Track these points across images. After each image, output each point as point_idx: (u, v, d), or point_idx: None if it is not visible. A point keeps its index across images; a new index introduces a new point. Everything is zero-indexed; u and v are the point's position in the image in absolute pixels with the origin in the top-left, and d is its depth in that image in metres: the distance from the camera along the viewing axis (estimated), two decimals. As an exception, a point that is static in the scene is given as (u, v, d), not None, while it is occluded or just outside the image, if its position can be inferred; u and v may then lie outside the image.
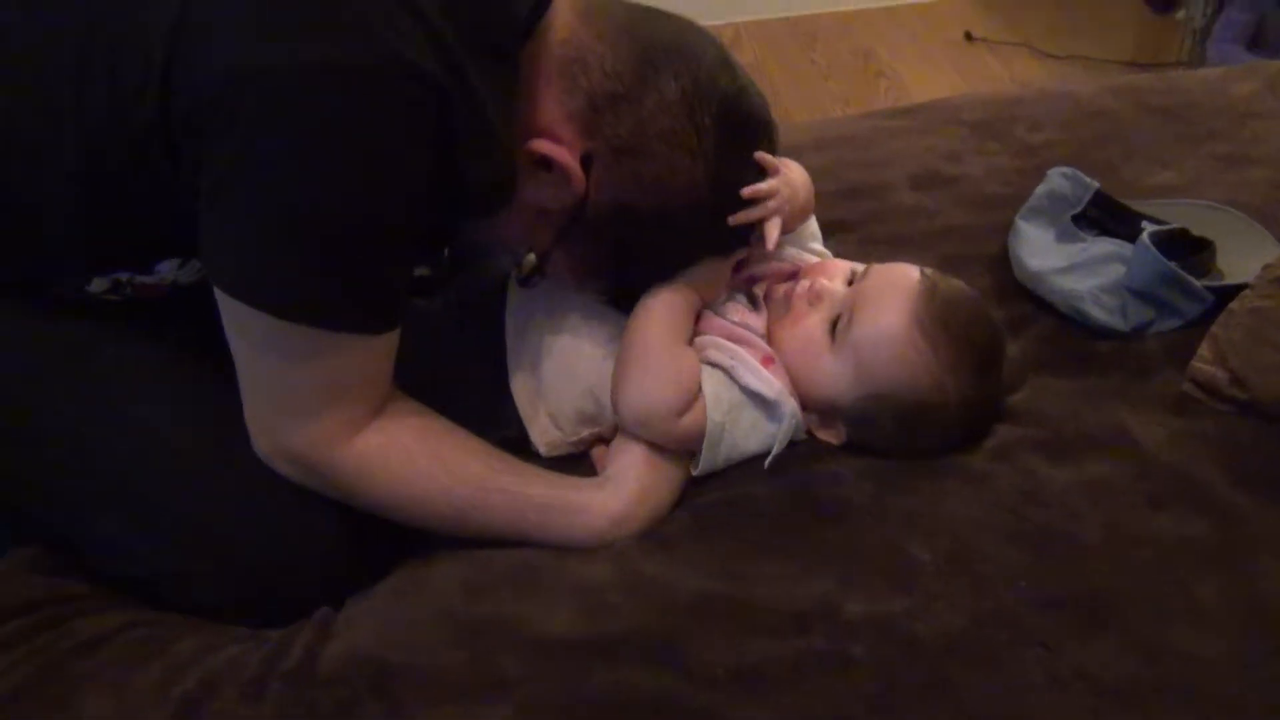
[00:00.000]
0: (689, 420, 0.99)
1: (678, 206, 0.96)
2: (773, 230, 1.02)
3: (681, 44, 0.95)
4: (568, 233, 0.97)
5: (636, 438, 1.02)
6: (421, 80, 0.83)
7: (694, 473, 1.01)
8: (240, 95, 0.81)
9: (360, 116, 0.82)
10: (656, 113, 0.93)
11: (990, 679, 0.84)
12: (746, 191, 1.00)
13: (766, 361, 1.03)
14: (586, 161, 0.94)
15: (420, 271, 1.06)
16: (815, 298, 1.06)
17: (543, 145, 0.93)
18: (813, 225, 1.19)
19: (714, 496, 1.02)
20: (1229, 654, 0.86)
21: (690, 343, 1.04)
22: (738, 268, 1.09)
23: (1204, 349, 1.08)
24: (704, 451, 1.00)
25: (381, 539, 1.01)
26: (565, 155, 0.93)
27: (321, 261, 0.86)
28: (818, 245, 1.20)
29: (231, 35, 0.82)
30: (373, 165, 0.84)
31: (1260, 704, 0.83)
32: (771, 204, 1.02)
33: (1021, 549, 0.94)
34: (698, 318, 1.06)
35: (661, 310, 1.00)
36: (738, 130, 0.96)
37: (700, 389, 0.99)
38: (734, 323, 1.06)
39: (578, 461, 1.08)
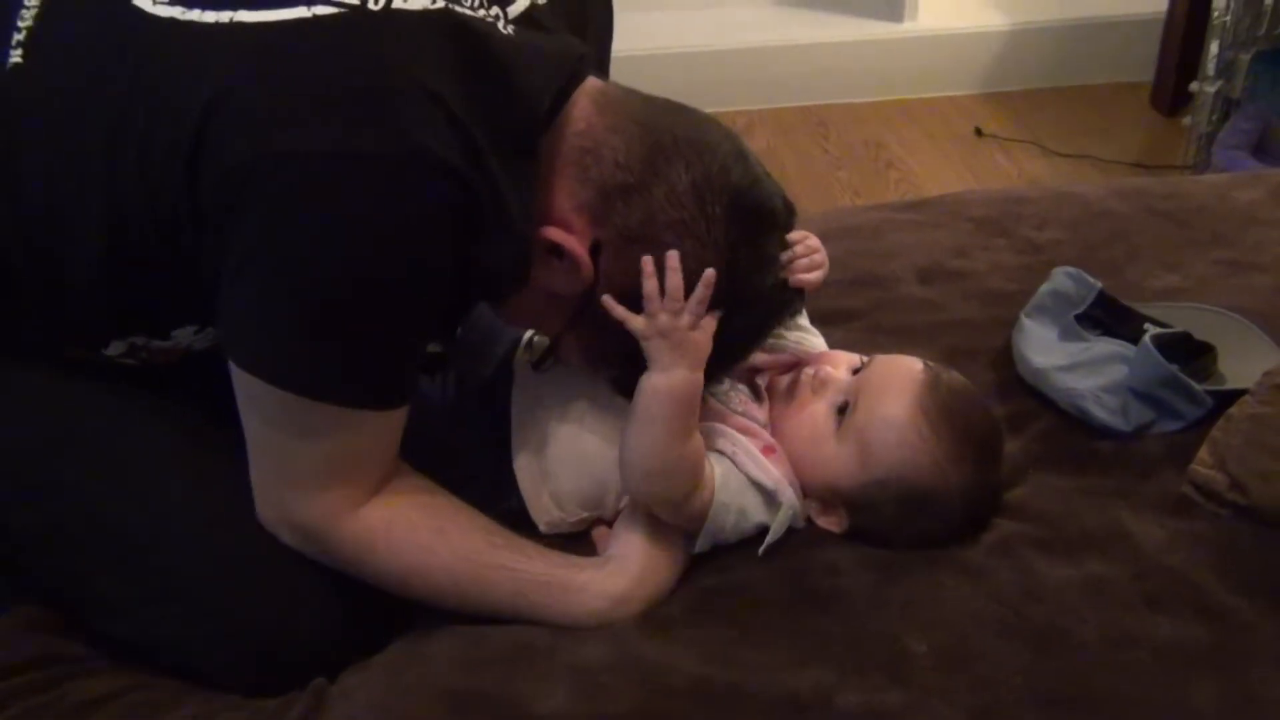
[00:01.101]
0: (696, 503, 0.99)
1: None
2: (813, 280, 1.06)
3: (695, 136, 0.96)
4: (578, 319, 0.98)
5: (639, 519, 1.02)
6: (446, 173, 0.85)
7: (694, 551, 1.02)
8: (267, 177, 0.83)
9: (384, 206, 0.84)
10: (666, 203, 0.93)
11: (984, 777, 0.84)
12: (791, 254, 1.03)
13: (768, 451, 1.04)
14: (595, 250, 0.95)
15: (432, 348, 1.07)
16: (820, 384, 1.07)
17: (553, 233, 0.94)
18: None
19: (713, 581, 1.02)
20: (1224, 761, 0.85)
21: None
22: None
23: (1204, 452, 1.09)
24: (706, 526, 1.00)
25: (380, 612, 1.01)
26: (574, 243, 0.94)
27: (337, 341, 0.88)
28: (804, 322, 1.21)
29: (262, 118, 0.84)
30: (394, 253, 0.86)
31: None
32: (812, 263, 1.05)
33: (1018, 646, 0.94)
34: (701, 404, 1.07)
35: (666, 403, 0.96)
36: (749, 221, 0.96)
37: (705, 471, 1.00)
38: (736, 413, 1.07)
39: (578, 538, 1.09)
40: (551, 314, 1.01)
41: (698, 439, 0.99)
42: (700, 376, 0.96)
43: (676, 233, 0.94)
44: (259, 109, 0.84)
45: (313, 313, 0.87)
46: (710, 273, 0.93)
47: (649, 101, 0.99)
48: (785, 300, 1.05)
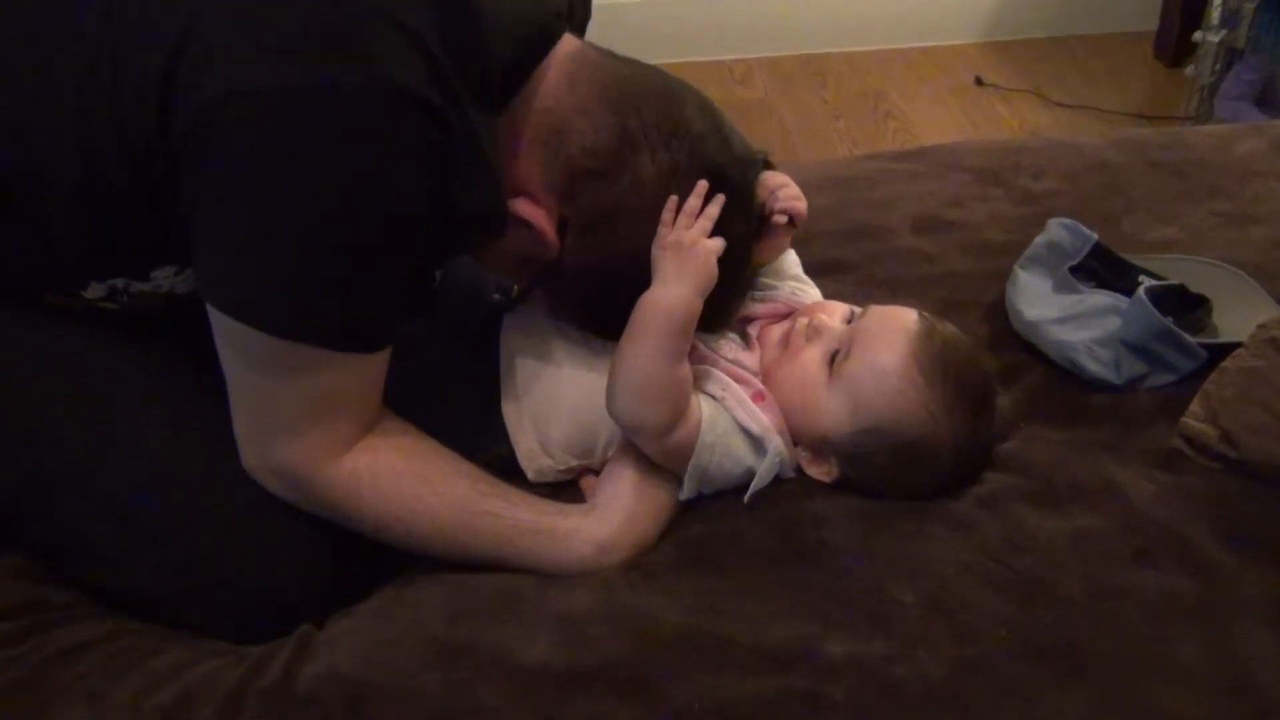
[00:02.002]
0: (680, 436, 0.99)
1: (647, 276, 0.98)
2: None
3: (667, 116, 0.96)
4: (550, 277, 1.00)
5: (626, 466, 1.02)
6: (420, 107, 0.84)
7: (681, 496, 1.02)
8: (239, 114, 0.82)
9: (357, 140, 0.83)
10: (631, 192, 0.95)
11: (966, 728, 0.84)
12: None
13: (757, 398, 1.03)
14: (563, 227, 0.96)
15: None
16: (814, 333, 1.06)
17: (522, 207, 0.95)
18: (792, 255, 1.21)
19: (700, 530, 1.02)
20: (1207, 715, 0.85)
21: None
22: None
23: (1195, 405, 1.08)
24: (690, 469, 1.00)
25: (366, 559, 1.01)
26: (542, 220, 0.95)
27: (314, 280, 0.87)
28: (799, 272, 1.21)
29: (233, 56, 0.82)
30: (368, 188, 0.85)
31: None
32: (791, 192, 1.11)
33: (1004, 597, 0.93)
34: (691, 350, 1.06)
35: (663, 320, 0.96)
36: (725, 199, 0.98)
37: (691, 406, 0.99)
38: (727, 360, 1.06)
39: (565, 487, 1.08)
40: (523, 270, 1.03)
41: (686, 368, 0.99)
42: (700, 304, 0.97)
43: (644, 219, 0.96)
44: (228, 44, 0.83)
45: (287, 252, 0.86)
46: (720, 197, 0.96)
47: (621, 72, 0.98)
48: (747, 258, 1.07)
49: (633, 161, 0.95)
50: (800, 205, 1.12)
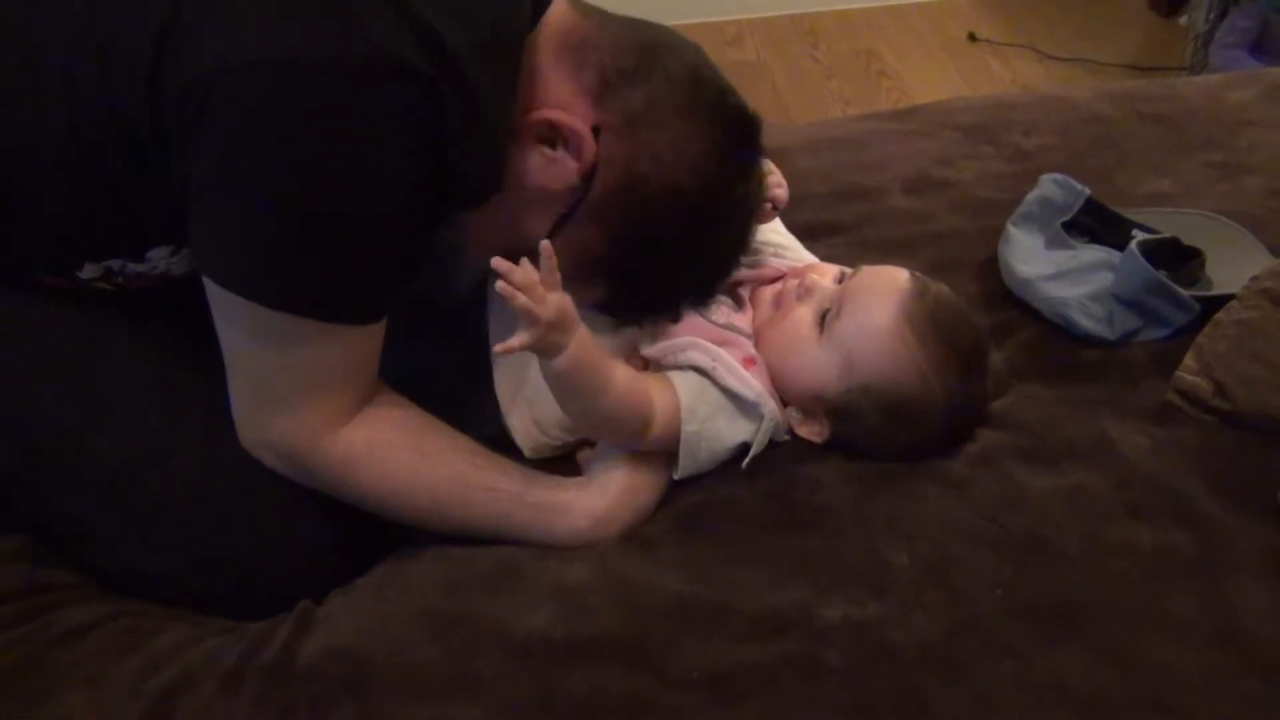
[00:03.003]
0: (657, 432, 0.99)
1: (687, 183, 0.95)
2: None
3: (672, 41, 0.98)
4: (570, 216, 0.96)
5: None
6: (409, 76, 0.84)
7: (675, 477, 1.02)
8: (228, 88, 0.81)
9: (346, 112, 0.83)
10: (666, 87, 0.94)
11: (962, 689, 0.85)
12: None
13: (748, 363, 1.03)
14: (595, 133, 0.93)
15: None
16: (805, 292, 1.06)
17: (552, 113, 0.93)
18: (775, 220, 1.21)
19: (696, 499, 1.02)
20: (1202, 669, 0.86)
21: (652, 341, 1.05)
22: None
23: (1189, 359, 1.08)
24: (681, 460, 1.00)
25: (365, 534, 1.01)
26: (577, 122, 0.93)
27: (308, 252, 0.87)
28: (779, 226, 1.21)
29: (221, 30, 0.82)
30: (358, 159, 0.85)
31: (1232, 720, 0.83)
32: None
33: (999, 557, 0.94)
34: (682, 317, 1.06)
35: (571, 378, 0.93)
36: (733, 122, 0.98)
37: (664, 401, 0.99)
38: (718, 325, 1.06)
39: (563, 461, 1.08)
40: (539, 215, 0.96)
41: (620, 383, 0.97)
42: (582, 332, 0.92)
43: (678, 114, 0.94)
44: (218, 21, 0.82)
45: (279, 222, 0.86)
46: (546, 244, 0.88)
47: (611, 17, 0.98)
48: (758, 206, 1.06)
49: (664, 60, 0.95)
50: (784, 192, 1.13)
